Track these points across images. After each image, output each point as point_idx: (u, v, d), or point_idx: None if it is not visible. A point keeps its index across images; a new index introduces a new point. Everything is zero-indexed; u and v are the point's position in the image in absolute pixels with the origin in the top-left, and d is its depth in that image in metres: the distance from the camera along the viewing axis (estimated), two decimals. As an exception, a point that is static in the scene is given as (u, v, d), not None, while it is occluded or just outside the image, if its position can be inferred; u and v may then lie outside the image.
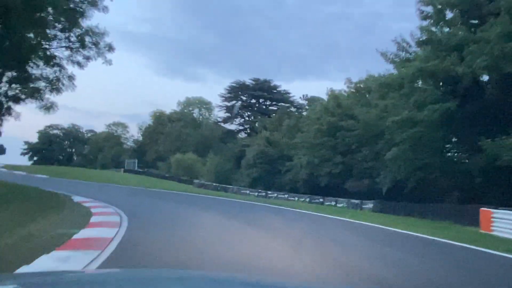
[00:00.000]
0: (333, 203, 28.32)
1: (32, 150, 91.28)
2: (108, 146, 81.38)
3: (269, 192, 35.55)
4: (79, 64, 22.70)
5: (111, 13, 25.01)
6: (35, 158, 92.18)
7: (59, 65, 22.65)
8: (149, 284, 1.76)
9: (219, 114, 68.18)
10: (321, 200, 29.76)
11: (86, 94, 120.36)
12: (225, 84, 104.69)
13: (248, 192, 36.15)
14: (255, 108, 60.38)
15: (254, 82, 59.18)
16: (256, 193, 35.14)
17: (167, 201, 21.06)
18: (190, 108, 75.20)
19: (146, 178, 48.50)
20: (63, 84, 22.90)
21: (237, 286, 1.87)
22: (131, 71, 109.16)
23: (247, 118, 62.07)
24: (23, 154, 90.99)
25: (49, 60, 22.16)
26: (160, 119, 77.92)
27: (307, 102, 52.85)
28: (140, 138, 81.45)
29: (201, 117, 74.01)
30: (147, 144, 75.92)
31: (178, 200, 22.49)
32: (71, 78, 23.06)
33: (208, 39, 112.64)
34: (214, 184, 41.07)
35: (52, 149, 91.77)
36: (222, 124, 66.60)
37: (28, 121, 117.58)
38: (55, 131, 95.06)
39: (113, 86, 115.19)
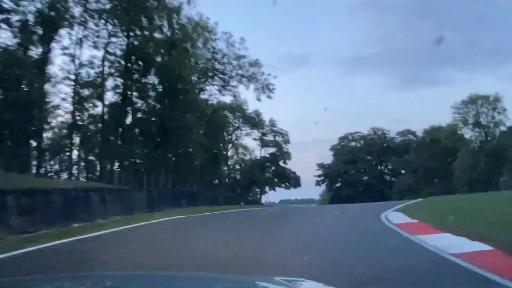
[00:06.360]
0: None
1: (326, 175, 62.83)
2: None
3: None
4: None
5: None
6: (334, 187, 63.84)
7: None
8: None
9: None
10: None
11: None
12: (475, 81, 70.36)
13: None
14: None
15: None
16: None
17: None
18: None
19: None
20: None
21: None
22: (370, 93, 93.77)
23: None
24: (318, 183, 63.72)
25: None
26: None
27: None
28: None
29: None
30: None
31: None
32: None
33: (446, 36, 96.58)
34: None
35: (354, 169, 60.52)
36: None
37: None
38: (352, 143, 64.29)
39: (357, 111, 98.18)
